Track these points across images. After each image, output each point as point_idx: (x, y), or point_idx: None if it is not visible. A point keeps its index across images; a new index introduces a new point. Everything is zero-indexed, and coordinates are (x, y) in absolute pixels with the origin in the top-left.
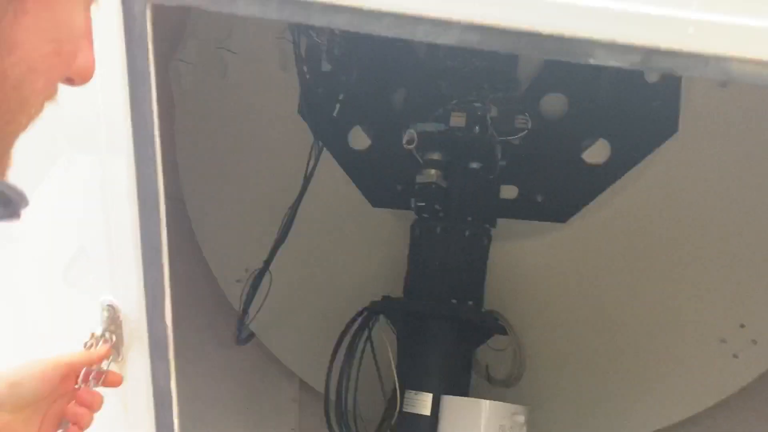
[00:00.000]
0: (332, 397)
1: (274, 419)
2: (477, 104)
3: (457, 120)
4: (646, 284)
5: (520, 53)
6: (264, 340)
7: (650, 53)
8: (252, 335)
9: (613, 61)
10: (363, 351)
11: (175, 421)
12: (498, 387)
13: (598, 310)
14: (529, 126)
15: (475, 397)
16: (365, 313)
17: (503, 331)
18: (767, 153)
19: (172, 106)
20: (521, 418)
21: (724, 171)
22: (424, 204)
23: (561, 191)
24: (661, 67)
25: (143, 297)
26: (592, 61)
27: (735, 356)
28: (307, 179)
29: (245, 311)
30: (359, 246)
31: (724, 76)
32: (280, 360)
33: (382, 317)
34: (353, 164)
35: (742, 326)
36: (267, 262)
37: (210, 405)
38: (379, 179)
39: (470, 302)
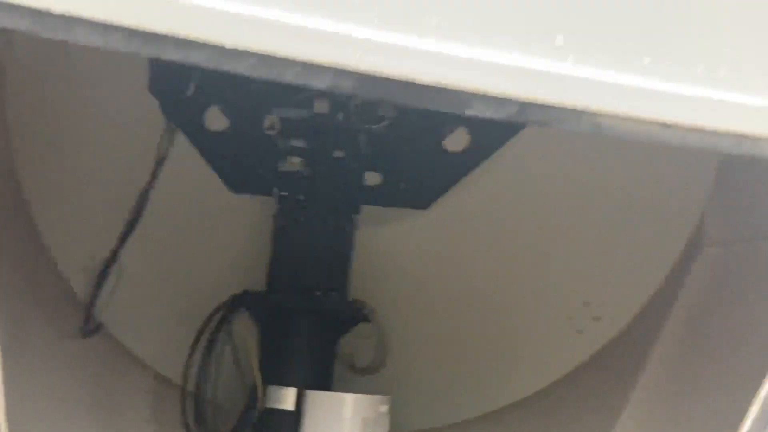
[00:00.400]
0: (191, 390)
1: (128, 412)
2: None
3: (321, 107)
4: (501, 267)
5: (395, 101)
6: (114, 332)
7: (526, 106)
8: (100, 326)
9: (489, 113)
10: (223, 348)
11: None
12: (361, 375)
13: (457, 293)
14: (392, 114)
15: (339, 387)
16: (225, 308)
17: (367, 320)
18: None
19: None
20: (384, 408)
21: (571, 157)
22: (287, 193)
23: (423, 178)
24: (537, 119)
25: None
26: (468, 112)
27: (579, 332)
28: (159, 162)
29: (92, 302)
30: (219, 234)
31: (595, 130)
32: (132, 351)
33: (244, 310)
34: (210, 147)
35: (586, 304)
36: (115, 251)
37: (57, 400)
38: (239, 164)
39: (334, 293)
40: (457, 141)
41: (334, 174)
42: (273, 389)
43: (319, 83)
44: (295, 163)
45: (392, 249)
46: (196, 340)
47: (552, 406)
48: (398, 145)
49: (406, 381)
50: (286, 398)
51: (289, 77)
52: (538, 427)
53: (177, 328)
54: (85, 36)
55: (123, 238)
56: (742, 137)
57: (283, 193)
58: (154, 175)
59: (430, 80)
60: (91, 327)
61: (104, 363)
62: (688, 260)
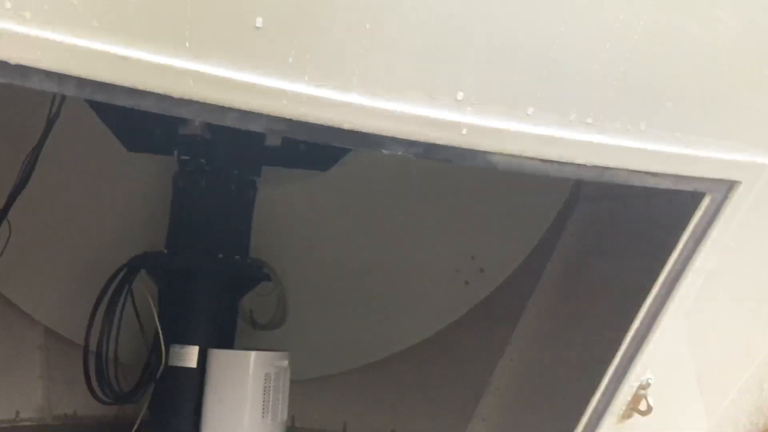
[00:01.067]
0: (91, 351)
1: (19, 367)
2: None
3: None
4: (393, 225)
5: (324, 143)
6: (2, 289)
7: (430, 147)
8: None
9: (401, 152)
10: (124, 305)
11: None
12: (262, 330)
13: (353, 249)
14: None
15: (241, 342)
16: (125, 270)
17: (268, 279)
18: None
19: None
20: (284, 363)
21: None
22: (188, 157)
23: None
24: (440, 157)
25: None
26: (384, 151)
27: (466, 283)
28: (51, 120)
29: None
30: (115, 193)
31: (490, 166)
32: (21, 308)
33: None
34: (104, 104)
35: (473, 258)
36: (5, 209)
37: None
38: (135, 123)
39: (237, 256)
40: None
41: (235, 137)
42: (176, 348)
43: (256, 127)
44: (196, 126)
45: (291, 209)
46: (98, 301)
47: (440, 352)
48: None
49: (301, 332)
50: (189, 356)
51: (229, 121)
52: (428, 372)
53: (70, 285)
54: (41, 82)
55: (12, 197)
56: (604, 169)
57: (184, 157)
58: (45, 133)
59: (352, 126)
60: None
61: None
62: (565, 216)
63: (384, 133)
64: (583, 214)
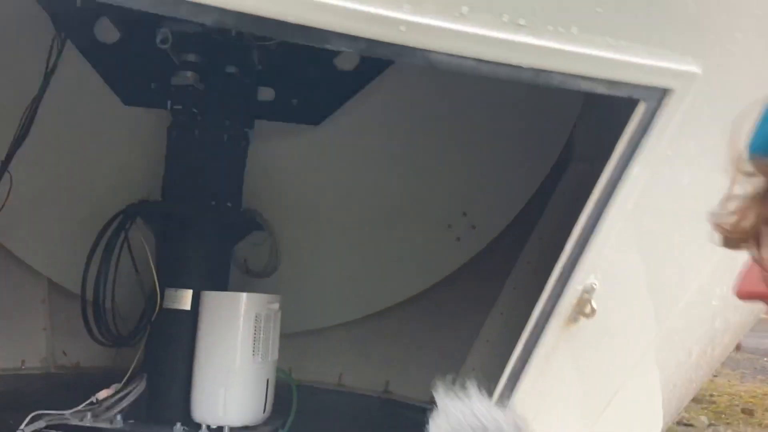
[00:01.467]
0: (89, 297)
1: (23, 321)
2: None
3: None
4: (386, 179)
5: (270, 37)
6: (5, 242)
7: (372, 43)
8: None
9: (344, 47)
10: (120, 252)
11: None
12: (256, 278)
13: (345, 203)
14: None
15: (235, 290)
16: (121, 216)
17: (261, 228)
18: None
19: None
20: (275, 305)
21: (452, 80)
22: (180, 107)
23: (315, 95)
24: (382, 53)
25: None
26: (328, 46)
27: (458, 239)
28: (49, 74)
29: None
30: (112, 145)
31: (427, 64)
32: (25, 261)
33: (140, 219)
34: (101, 58)
35: (464, 214)
36: (5, 162)
37: None
38: (131, 76)
39: (229, 203)
40: (347, 60)
41: (227, 89)
42: (170, 291)
43: (207, 20)
44: (188, 77)
45: (284, 163)
46: (93, 249)
47: (431, 306)
48: (291, 63)
49: (296, 285)
50: (183, 299)
51: (182, 13)
52: (418, 327)
53: (71, 238)
54: None
55: (12, 151)
56: (539, 71)
57: (176, 107)
58: (43, 87)
59: (297, 20)
60: None
61: None
62: (557, 174)
63: (328, 28)
64: (575, 172)
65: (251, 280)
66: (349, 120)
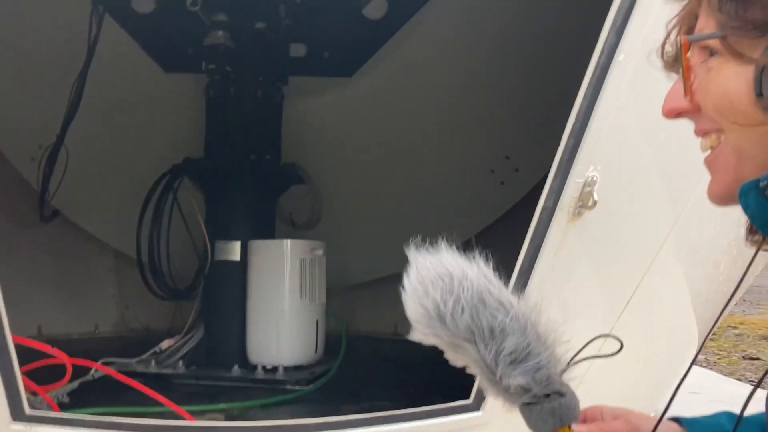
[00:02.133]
0: (145, 258)
1: (93, 290)
2: None
3: None
4: (426, 127)
5: None
6: (70, 215)
7: None
8: (57, 212)
9: None
10: (171, 211)
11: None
12: (301, 230)
13: (385, 153)
14: None
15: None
16: (168, 176)
17: (301, 181)
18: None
19: None
20: (320, 252)
21: (489, 16)
22: (214, 66)
23: (346, 47)
24: None
25: None
26: None
27: (502, 183)
28: (92, 47)
29: (45, 189)
30: (156, 112)
31: None
32: (90, 232)
33: (187, 179)
34: (139, 28)
35: (507, 158)
36: (60, 137)
37: (24, 285)
38: (168, 43)
39: (268, 157)
40: (375, 8)
41: (258, 45)
42: (220, 244)
43: None
44: (219, 36)
45: (322, 117)
46: (143, 209)
47: (480, 252)
48: (319, 16)
49: (342, 237)
50: (233, 250)
51: None
52: None
53: (128, 205)
54: None
55: (66, 124)
56: None
57: (210, 66)
58: (87, 61)
59: None
60: (47, 213)
61: (65, 246)
62: None
63: None
64: None
65: (297, 232)
66: (382, 69)
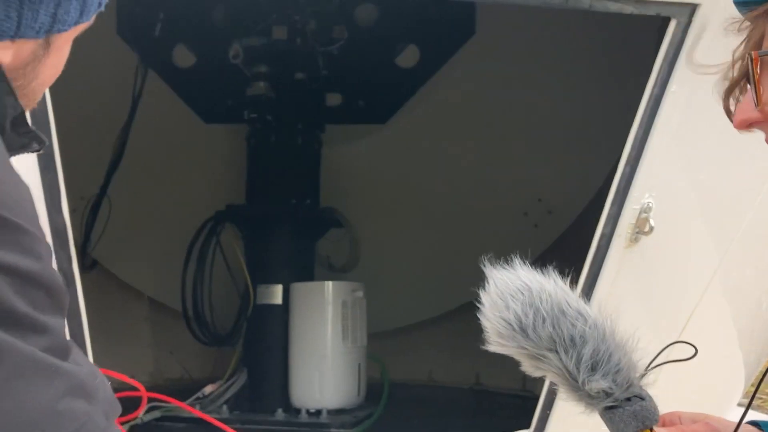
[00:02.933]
0: (189, 305)
1: (129, 340)
2: (296, 17)
3: (279, 33)
4: (460, 170)
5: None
6: (108, 266)
7: None
8: (95, 263)
9: None
10: (213, 258)
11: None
12: (338, 273)
13: (420, 198)
14: (346, 35)
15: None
16: (212, 222)
17: (339, 225)
18: (554, 44)
19: None
20: (360, 293)
21: (519, 63)
22: (256, 115)
23: (379, 95)
24: None
25: None
26: None
27: (535, 226)
28: (136, 100)
29: (86, 239)
30: (197, 163)
31: None
32: (127, 282)
33: (228, 225)
34: (181, 82)
35: (540, 200)
36: (103, 188)
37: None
38: (209, 95)
39: (307, 201)
40: (408, 57)
41: (297, 95)
42: (262, 288)
43: None
44: (260, 87)
45: (357, 163)
46: (188, 256)
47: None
48: (354, 65)
49: (378, 282)
50: (275, 294)
51: None
52: None
53: (166, 254)
54: None
55: (108, 176)
56: None
57: (252, 115)
58: (132, 114)
59: None
60: (87, 263)
61: (103, 296)
62: None
63: None
64: None
65: (335, 275)
66: (415, 114)
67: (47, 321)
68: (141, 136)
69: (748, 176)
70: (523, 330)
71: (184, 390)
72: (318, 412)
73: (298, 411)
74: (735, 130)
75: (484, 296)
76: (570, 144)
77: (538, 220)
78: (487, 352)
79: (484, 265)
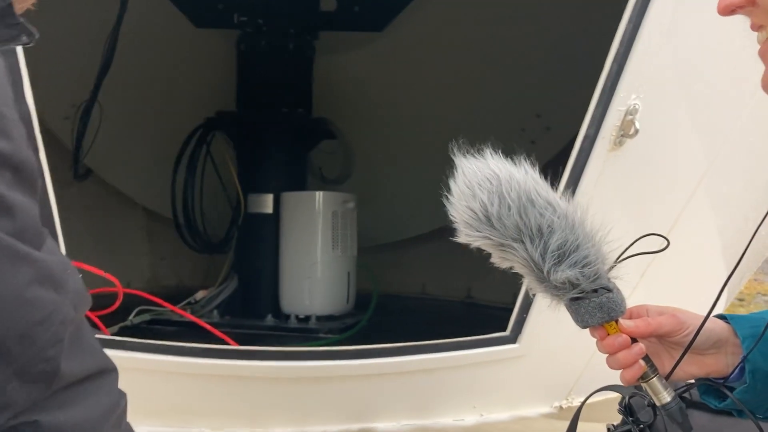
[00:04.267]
0: (179, 212)
1: (125, 248)
2: None
3: None
4: (456, 82)
5: None
6: (102, 174)
7: None
8: (89, 171)
9: None
10: (204, 166)
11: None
12: (331, 185)
13: (414, 110)
14: None
15: None
16: (201, 129)
17: (332, 136)
18: None
19: None
20: (351, 205)
21: None
22: (246, 19)
23: (376, 0)
24: None
25: None
26: None
27: (533, 142)
28: (123, 4)
29: (78, 147)
30: (187, 68)
31: None
32: (121, 191)
33: (220, 134)
34: None
35: (538, 116)
36: (93, 94)
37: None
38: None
39: (300, 110)
40: None
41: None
42: (253, 197)
43: None
44: None
45: (352, 72)
46: (177, 162)
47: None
48: None
49: (372, 197)
50: (265, 203)
51: None
52: None
53: (160, 163)
54: None
55: (98, 82)
56: None
57: (242, 18)
58: (119, 18)
59: None
60: (81, 171)
61: (96, 205)
62: None
63: None
64: None
65: (327, 186)
66: (412, 24)
67: (14, 200)
68: (131, 41)
69: (741, 81)
70: (488, 219)
71: (179, 296)
72: (307, 318)
73: (287, 316)
74: (729, 31)
75: (452, 185)
76: (570, 60)
77: (535, 137)
78: (479, 267)
79: (454, 155)
